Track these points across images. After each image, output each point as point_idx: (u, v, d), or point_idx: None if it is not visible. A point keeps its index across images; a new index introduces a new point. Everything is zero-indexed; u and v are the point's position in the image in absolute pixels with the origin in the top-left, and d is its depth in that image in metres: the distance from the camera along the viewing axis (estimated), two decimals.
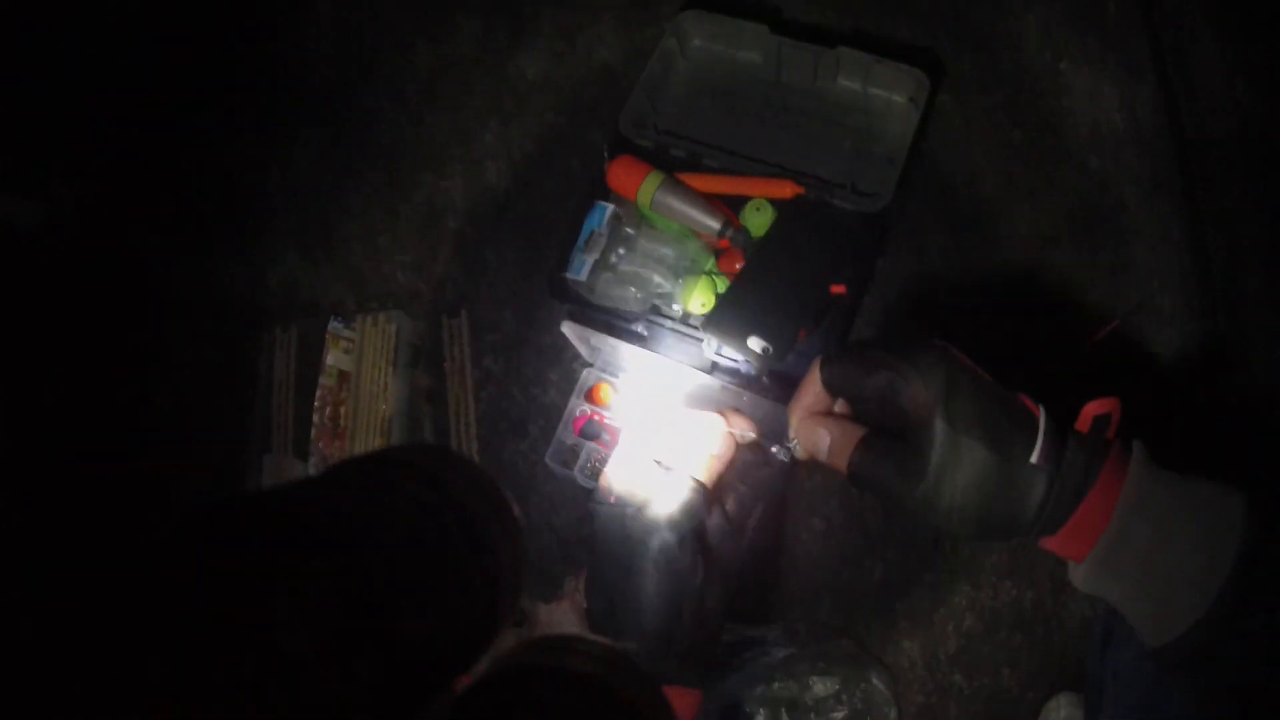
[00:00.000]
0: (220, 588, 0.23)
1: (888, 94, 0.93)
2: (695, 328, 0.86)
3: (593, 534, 0.57)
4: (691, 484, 0.56)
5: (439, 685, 0.29)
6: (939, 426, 0.42)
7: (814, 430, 0.50)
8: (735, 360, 0.82)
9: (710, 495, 0.57)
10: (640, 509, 0.55)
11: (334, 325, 1.10)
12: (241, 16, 1.21)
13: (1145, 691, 0.60)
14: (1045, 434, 0.42)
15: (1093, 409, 0.43)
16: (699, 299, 0.86)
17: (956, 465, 0.42)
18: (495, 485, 0.35)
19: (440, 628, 0.28)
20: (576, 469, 0.90)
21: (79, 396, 1.07)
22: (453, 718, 0.28)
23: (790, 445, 0.55)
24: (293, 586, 0.24)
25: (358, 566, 0.26)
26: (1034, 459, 0.42)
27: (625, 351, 0.87)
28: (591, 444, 0.91)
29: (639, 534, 0.54)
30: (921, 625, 0.92)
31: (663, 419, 0.61)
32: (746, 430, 0.61)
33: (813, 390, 0.51)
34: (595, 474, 0.91)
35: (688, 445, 0.58)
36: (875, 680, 0.89)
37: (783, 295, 0.81)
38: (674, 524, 0.54)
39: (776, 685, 0.87)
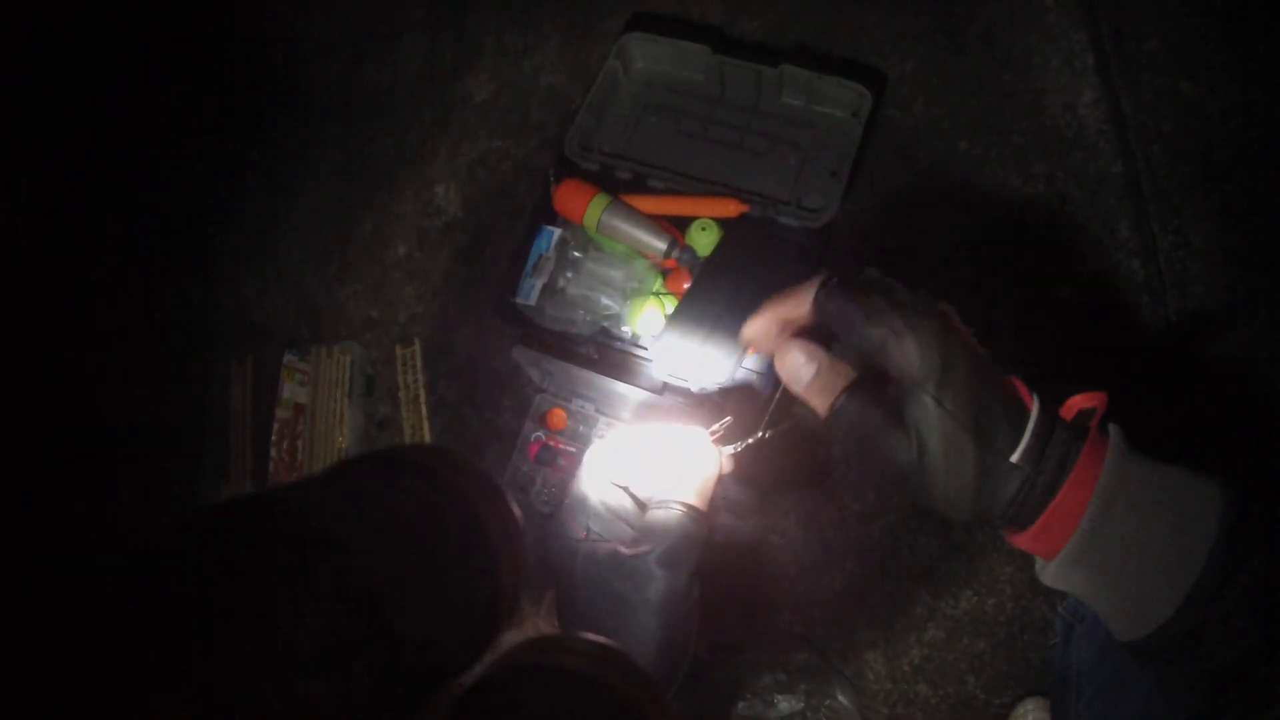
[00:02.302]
0: (221, 587, 0.23)
1: (830, 109, 0.94)
2: (644, 348, 0.86)
3: (570, 574, 0.48)
4: (690, 512, 0.47)
5: (439, 685, 0.29)
6: (927, 403, 0.41)
7: (799, 356, 0.44)
8: (685, 380, 0.82)
9: (708, 520, 0.49)
10: (634, 545, 0.47)
11: (289, 357, 1.09)
12: (184, 33, 1.20)
13: (1111, 683, 0.60)
14: (1033, 432, 0.41)
15: (1078, 402, 0.42)
16: (647, 319, 0.86)
17: (935, 445, 0.41)
18: (496, 486, 0.35)
19: (440, 628, 0.28)
20: (532, 495, 0.90)
21: (29, 419, 1.05)
22: (452, 717, 0.28)
23: (744, 358, 0.46)
24: (293, 586, 0.24)
25: (358, 566, 0.26)
26: (1015, 457, 0.40)
27: (577, 375, 0.87)
28: (546, 469, 0.90)
29: (636, 577, 0.46)
30: (883, 636, 0.92)
31: (636, 437, 0.52)
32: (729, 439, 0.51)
33: (799, 307, 0.44)
34: (552, 500, 0.90)
35: (670, 466, 0.49)
36: (840, 696, 0.89)
37: (729, 313, 0.81)
38: (678, 562, 0.46)
39: (740, 705, 0.87)
